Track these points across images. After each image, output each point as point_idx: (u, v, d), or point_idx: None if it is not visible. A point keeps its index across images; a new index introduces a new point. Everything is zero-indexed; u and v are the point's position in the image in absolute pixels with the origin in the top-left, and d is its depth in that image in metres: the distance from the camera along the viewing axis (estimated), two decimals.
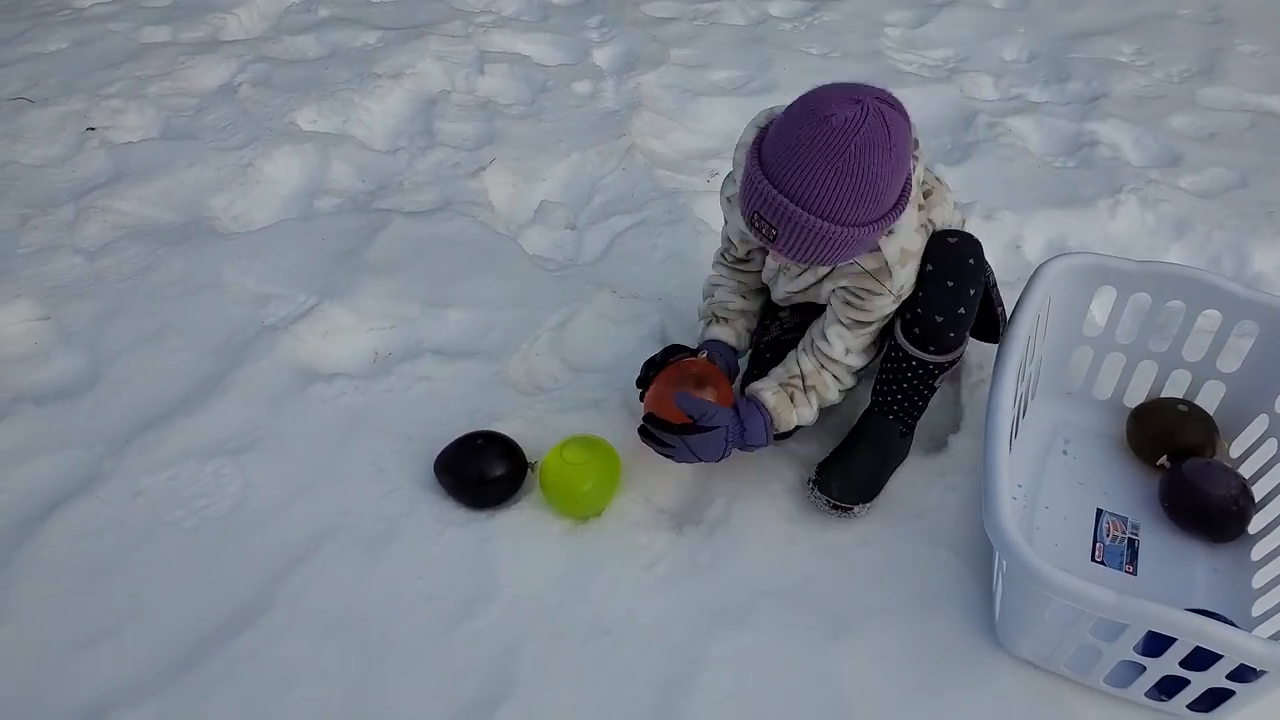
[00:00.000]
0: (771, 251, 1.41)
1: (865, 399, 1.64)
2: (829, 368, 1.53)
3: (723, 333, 1.67)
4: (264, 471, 1.67)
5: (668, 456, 1.52)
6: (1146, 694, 1.30)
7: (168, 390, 1.82)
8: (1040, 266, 1.62)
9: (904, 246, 1.39)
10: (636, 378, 1.62)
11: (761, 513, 1.59)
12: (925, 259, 1.44)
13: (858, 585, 1.49)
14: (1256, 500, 1.54)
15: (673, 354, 1.63)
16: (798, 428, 1.57)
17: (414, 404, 1.79)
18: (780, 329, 1.70)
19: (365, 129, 2.69)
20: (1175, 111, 2.72)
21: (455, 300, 2.01)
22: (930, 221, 1.45)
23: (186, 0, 3.40)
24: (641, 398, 1.61)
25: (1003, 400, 1.38)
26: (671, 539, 1.56)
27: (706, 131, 2.72)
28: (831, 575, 1.50)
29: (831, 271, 1.48)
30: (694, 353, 1.64)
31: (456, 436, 1.64)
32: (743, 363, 1.73)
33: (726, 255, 1.68)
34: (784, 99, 2.73)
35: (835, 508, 1.55)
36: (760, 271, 1.66)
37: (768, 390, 1.54)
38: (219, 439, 1.72)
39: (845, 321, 1.49)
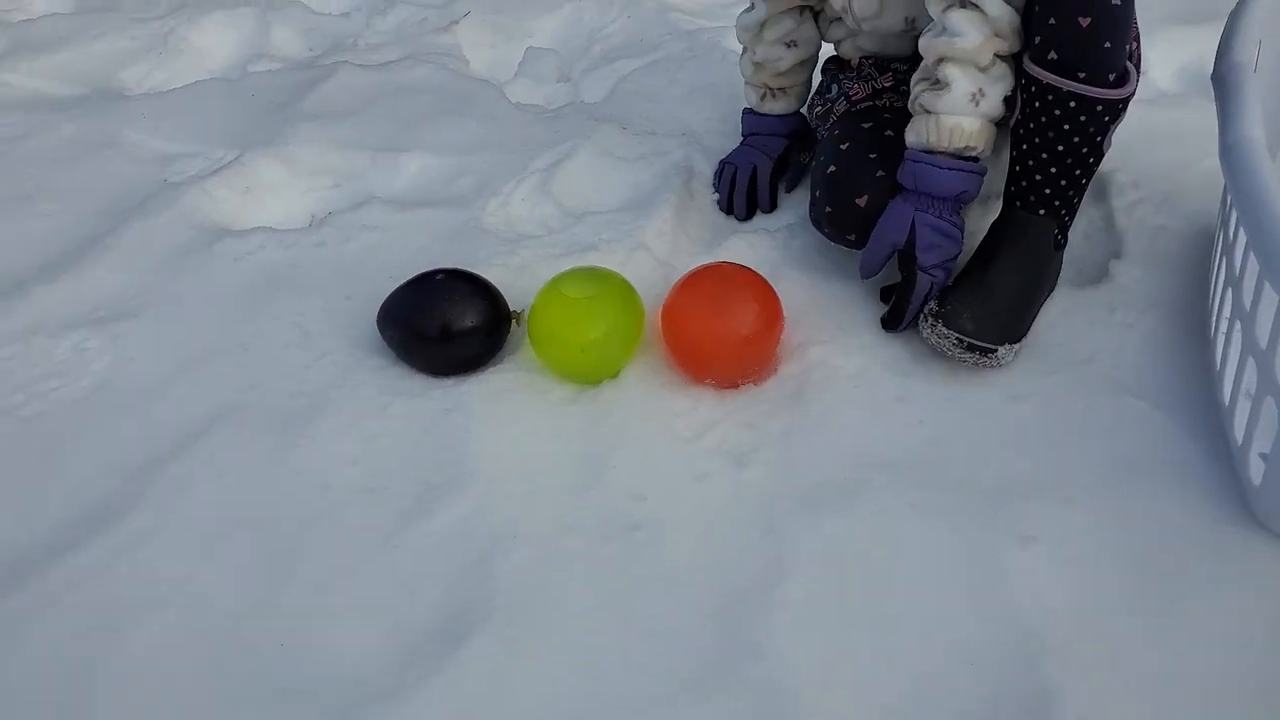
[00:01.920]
0: None
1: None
2: (952, 57, 1.04)
3: (779, 105, 1.37)
4: (143, 343, 1.18)
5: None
6: None
7: (23, 258, 1.33)
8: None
9: None
10: None
11: (852, 362, 1.09)
12: None
13: (1013, 453, 0.99)
14: None
15: None
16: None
17: (356, 257, 1.30)
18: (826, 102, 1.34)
19: None
20: None
21: (415, 145, 1.52)
22: None
23: None
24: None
25: (1250, 129, 0.88)
26: (722, 402, 1.06)
27: None
28: (971, 440, 1.01)
29: None
30: None
31: None
32: None
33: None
34: None
35: (972, 349, 1.03)
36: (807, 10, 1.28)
37: (906, 133, 1.10)
38: (85, 308, 1.23)
39: None
